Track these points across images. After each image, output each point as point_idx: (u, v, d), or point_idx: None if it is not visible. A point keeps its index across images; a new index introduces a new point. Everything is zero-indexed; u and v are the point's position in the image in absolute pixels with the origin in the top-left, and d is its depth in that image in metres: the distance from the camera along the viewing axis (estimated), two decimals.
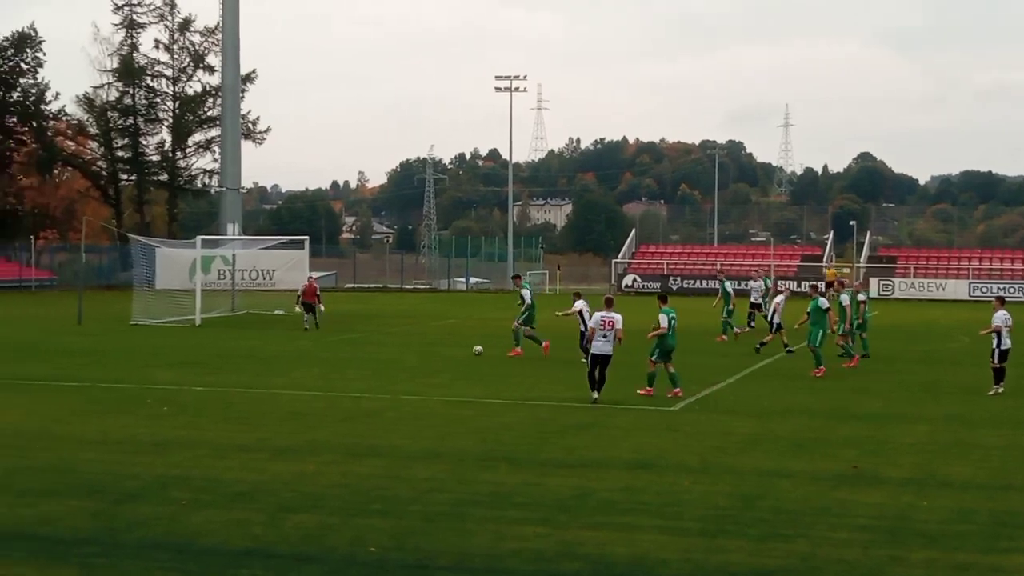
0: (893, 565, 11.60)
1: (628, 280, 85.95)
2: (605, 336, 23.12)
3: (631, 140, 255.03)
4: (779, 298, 34.78)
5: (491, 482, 15.34)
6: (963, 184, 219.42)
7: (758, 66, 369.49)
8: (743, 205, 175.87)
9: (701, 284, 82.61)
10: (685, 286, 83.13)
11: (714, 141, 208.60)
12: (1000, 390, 25.32)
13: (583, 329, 30.78)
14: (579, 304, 31.59)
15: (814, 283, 34.86)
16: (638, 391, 24.46)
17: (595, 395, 23.16)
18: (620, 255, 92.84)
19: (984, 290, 78.48)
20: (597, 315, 23.47)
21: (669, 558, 11.72)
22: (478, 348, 32.87)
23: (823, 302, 29.93)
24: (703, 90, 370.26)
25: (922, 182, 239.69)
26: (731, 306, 40.24)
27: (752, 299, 43.12)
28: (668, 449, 18.14)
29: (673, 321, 24.85)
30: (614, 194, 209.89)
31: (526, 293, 33.55)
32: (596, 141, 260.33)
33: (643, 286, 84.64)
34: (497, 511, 13.71)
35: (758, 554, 11.95)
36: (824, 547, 12.21)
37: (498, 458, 17.08)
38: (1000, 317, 25.30)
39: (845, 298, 32.37)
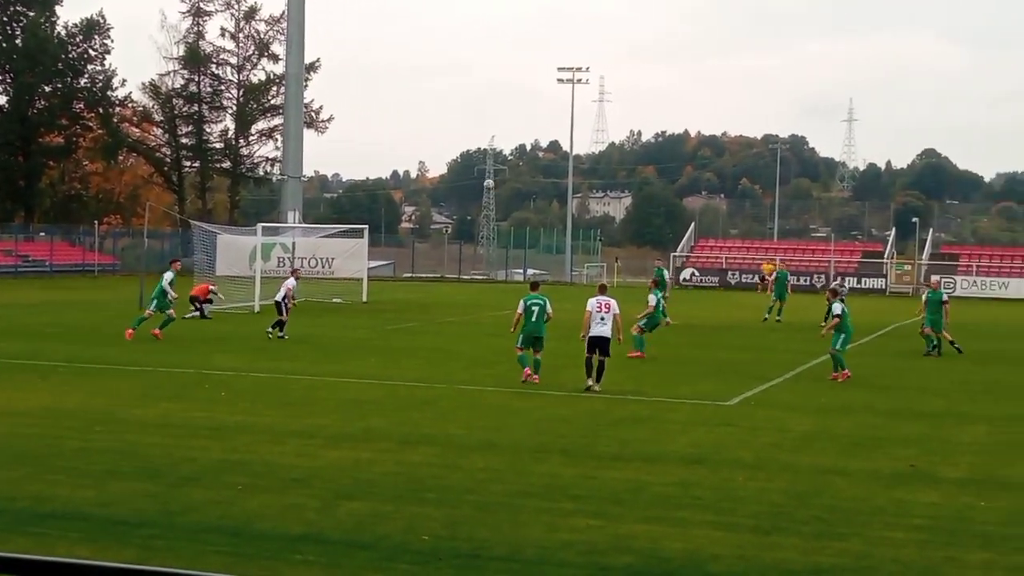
0: (949, 566, 11.49)
1: (686, 274, 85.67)
2: (602, 319, 23.71)
3: (692, 133, 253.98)
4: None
5: (546, 474, 15.35)
6: None
7: (823, 60, 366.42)
8: (804, 200, 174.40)
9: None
10: (744, 280, 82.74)
11: (776, 135, 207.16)
12: None
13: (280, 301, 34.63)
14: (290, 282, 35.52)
15: (833, 287, 33.54)
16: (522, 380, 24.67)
17: (590, 382, 23.64)
18: (679, 249, 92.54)
19: None
20: (592, 300, 24.01)
21: (722, 554, 11.68)
22: None
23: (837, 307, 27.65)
24: (766, 84, 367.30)
25: (987, 179, 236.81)
26: (667, 293, 41.98)
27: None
28: (723, 444, 18.07)
29: (534, 307, 24.67)
30: (674, 187, 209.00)
31: (167, 275, 34.34)
32: (657, 134, 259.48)
33: (701, 280, 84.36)
34: (551, 503, 13.71)
35: (812, 552, 11.88)
36: (879, 546, 12.11)
37: (553, 450, 17.08)
38: None
39: (837, 307, 27.99)
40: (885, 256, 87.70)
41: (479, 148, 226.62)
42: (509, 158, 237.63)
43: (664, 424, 20.04)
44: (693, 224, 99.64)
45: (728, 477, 15.45)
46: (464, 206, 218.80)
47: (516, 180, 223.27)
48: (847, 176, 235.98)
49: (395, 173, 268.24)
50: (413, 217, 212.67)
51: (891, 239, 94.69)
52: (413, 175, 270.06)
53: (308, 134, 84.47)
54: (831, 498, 14.39)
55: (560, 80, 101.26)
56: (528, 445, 17.47)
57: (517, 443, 17.63)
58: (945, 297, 34.69)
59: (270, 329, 34.06)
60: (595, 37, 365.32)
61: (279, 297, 34.71)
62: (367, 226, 59.25)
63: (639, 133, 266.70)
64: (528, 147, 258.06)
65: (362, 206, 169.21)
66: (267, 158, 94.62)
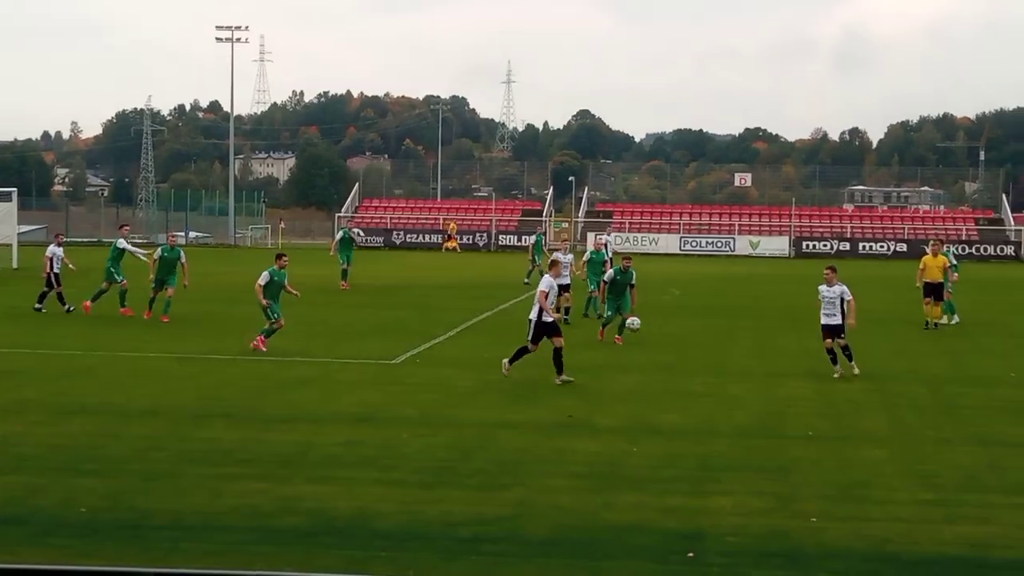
0: (605, 510, 12.01)
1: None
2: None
3: (355, 94, 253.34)
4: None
5: (210, 439, 15.12)
6: (676, 142, 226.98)
7: (483, 23, 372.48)
8: (466, 160, 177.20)
9: (425, 239, 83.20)
10: (408, 240, 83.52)
11: (438, 96, 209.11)
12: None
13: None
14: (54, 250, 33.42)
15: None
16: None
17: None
18: (343, 209, 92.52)
19: (694, 244, 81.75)
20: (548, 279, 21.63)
21: (387, 510, 11.82)
22: None
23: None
24: (428, 45, 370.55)
25: (637, 139, 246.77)
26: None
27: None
28: (389, 402, 18.24)
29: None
30: (338, 148, 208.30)
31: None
32: (320, 95, 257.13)
33: (366, 240, 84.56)
34: (216, 468, 13.53)
35: (476, 503, 12.18)
36: (540, 494, 12.53)
37: (217, 414, 16.83)
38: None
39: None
40: (544, 214, 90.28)
41: (136, 108, 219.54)
42: (168, 118, 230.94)
43: (331, 385, 20.07)
44: (357, 185, 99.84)
45: (394, 435, 15.62)
46: (121, 168, 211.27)
47: (175, 141, 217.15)
48: (507, 136, 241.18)
49: (46, 134, 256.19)
50: (67, 180, 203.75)
51: (549, 197, 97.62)
52: (66, 136, 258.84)
53: None
54: (495, 450, 14.77)
55: (219, 39, 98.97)
56: (191, 411, 17.15)
57: (180, 409, 17.27)
58: (606, 257, 35.04)
59: (40, 306, 31.92)
60: None
61: (56, 268, 32.40)
62: (16, 189, 56.53)
63: (302, 94, 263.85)
64: (188, 107, 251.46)
65: (10, 168, 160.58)
66: None
